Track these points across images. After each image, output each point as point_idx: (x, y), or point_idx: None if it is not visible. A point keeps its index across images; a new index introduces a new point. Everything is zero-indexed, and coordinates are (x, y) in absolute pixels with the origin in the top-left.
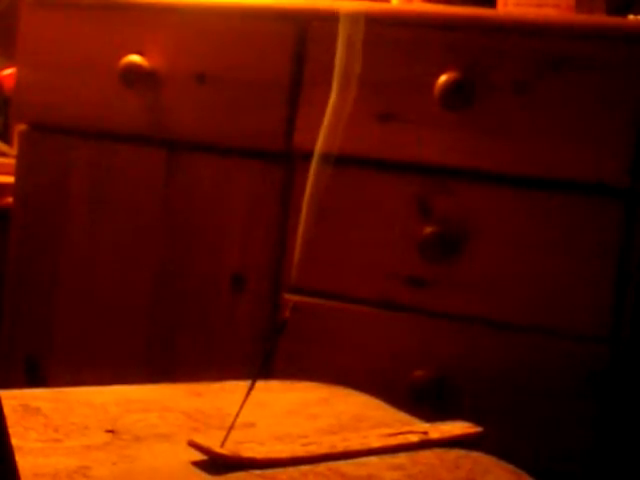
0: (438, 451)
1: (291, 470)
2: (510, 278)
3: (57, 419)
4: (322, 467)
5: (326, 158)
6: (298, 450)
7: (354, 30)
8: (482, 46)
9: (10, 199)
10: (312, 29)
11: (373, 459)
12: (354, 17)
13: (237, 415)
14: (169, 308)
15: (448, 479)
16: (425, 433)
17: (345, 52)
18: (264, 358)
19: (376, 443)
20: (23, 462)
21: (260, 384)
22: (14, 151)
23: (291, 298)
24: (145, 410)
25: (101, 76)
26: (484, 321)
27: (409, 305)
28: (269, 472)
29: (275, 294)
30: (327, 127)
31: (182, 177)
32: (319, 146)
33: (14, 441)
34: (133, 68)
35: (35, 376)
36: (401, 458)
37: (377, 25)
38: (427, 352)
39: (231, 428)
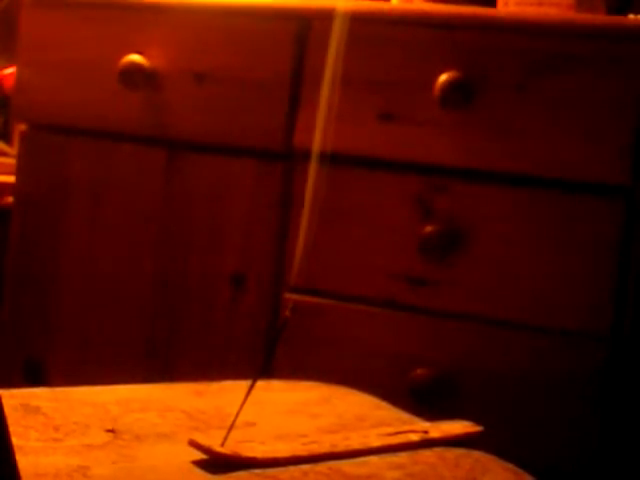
0: (439, 450)
1: (292, 469)
2: (510, 277)
3: (57, 418)
4: (323, 466)
5: (322, 157)
6: (299, 449)
7: (344, 28)
8: (482, 45)
9: (10, 199)
10: (312, 28)
11: (374, 458)
12: (343, 15)
13: (237, 414)
14: (169, 308)
15: (448, 478)
16: (426, 432)
17: (337, 50)
18: (265, 357)
19: (377, 442)
20: (24, 461)
21: (261, 383)
22: (14, 151)
23: (292, 297)
24: (145, 409)
25: (101, 76)
26: (484, 320)
27: (409, 304)
28: (270, 471)
29: (276, 293)
30: (322, 126)
31: (182, 176)
32: (316, 145)
33: (14, 440)
34: (133, 68)
35: (35, 377)
36: (402, 457)
37: (377, 24)
38: (427, 351)
39: (231, 427)
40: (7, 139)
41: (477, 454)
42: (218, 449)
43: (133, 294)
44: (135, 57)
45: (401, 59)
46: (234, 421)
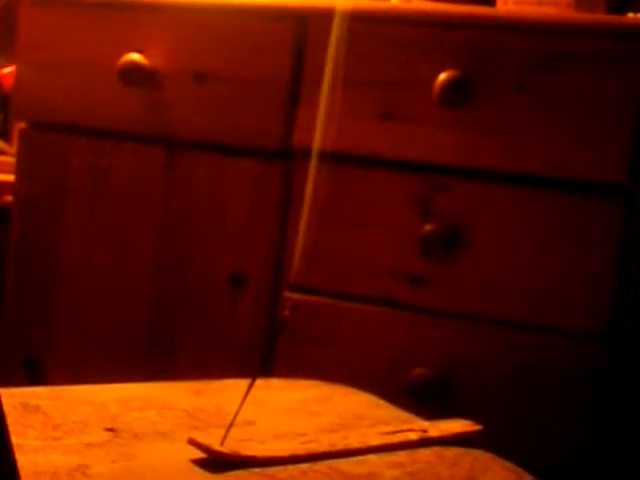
0: (437, 449)
1: (291, 468)
2: (509, 276)
3: (57, 417)
4: (322, 465)
5: (322, 156)
6: (298, 448)
7: (344, 27)
8: (481, 44)
9: (10, 197)
10: (312, 27)
11: (373, 457)
12: (343, 14)
13: (237, 413)
14: (169, 306)
15: (447, 477)
16: (425, 431)
17: (337, 49)
18: (264, 356)
19: (376, 441)
20: (23, 460)
21: (260, 382)
22: (14, 149)
23: (291, 296)
24: (145, 408)
25: (101, 74)
26: (483, 319)
27: (409, 303)
28: (269, 470)
29: (275, 292)
30: (322, 125)
31: (181, 175)
32: (315, 144)
33: (14, 439)
34: (132, 66)
35: (35, 375)
36: (401, 456)
37: (376, 23)
38: (427, 350)
39: (231, 426)
40: (6, 137)
41: (476, 453)
42: (217, 448)
43: (132, 293)
44: (135, 56)
45: (401, 58)
46: (233, 420)
